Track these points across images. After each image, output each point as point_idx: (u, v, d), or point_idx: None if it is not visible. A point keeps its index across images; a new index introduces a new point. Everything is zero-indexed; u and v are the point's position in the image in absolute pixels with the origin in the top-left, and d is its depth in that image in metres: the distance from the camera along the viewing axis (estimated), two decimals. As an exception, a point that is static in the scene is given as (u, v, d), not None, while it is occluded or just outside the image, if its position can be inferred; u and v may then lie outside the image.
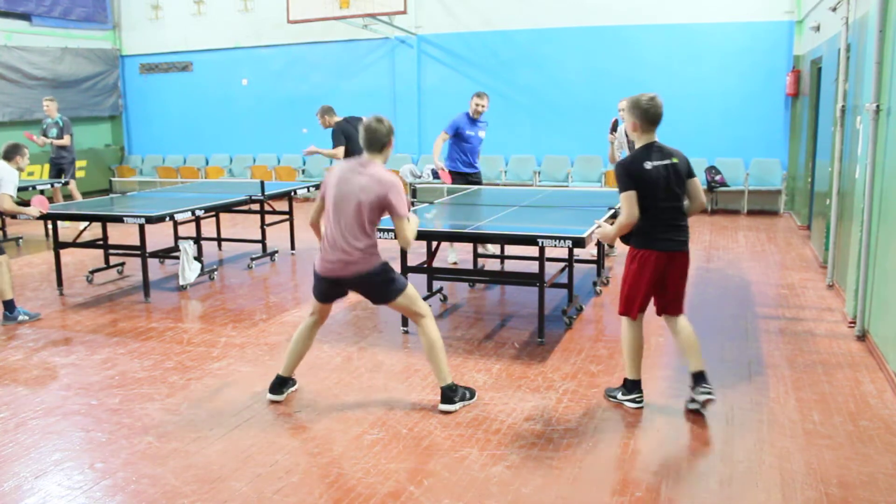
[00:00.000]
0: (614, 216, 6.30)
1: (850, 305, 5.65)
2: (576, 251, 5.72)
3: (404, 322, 5.66)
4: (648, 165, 3.87)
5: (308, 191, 9.03)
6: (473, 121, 7.99)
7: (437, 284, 6.52)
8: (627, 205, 3.88)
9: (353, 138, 7.72)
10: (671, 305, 4.15)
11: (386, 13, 12.06)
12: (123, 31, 15.53)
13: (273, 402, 4.30)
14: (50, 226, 7.67)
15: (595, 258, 7.29)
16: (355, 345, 5.36)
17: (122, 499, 3.28)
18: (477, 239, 6.52)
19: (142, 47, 15.38)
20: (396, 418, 4.07)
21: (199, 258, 7.48)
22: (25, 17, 13.79)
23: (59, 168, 10.86)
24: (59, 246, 7.09)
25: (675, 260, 4.01)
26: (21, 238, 9.88)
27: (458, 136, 7.96)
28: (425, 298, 6.21)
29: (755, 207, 11.68)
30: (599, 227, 4.28)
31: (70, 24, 14.59)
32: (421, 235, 5.67)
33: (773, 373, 4.67)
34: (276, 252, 8.55)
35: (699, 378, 4.02)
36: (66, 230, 8.79)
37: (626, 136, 7.75)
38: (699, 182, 4.10)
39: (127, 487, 3.37)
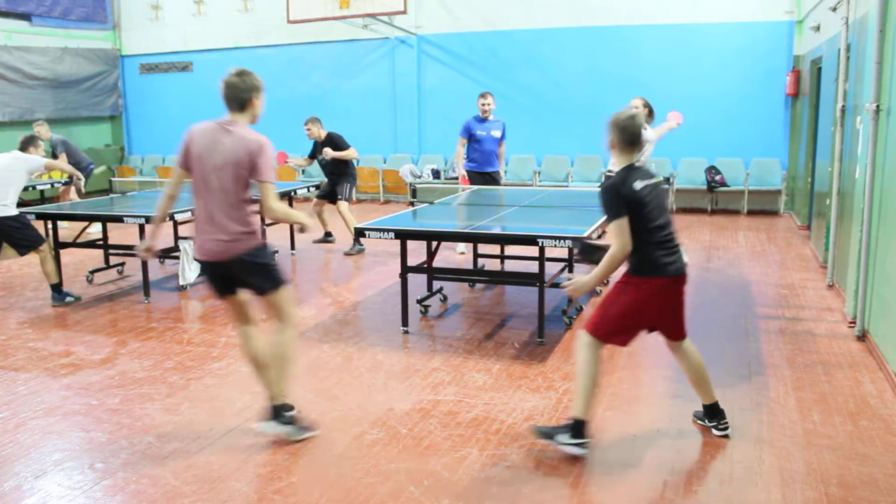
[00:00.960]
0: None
1: (850, 305, 5.65)
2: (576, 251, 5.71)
3: (404, 322, 5.66)
4: (639, 185, 3.48)
5: (308, 191, 9.04)
6: (483, 121, 8.23)
7: (437, 284, 6.52)
8: (619, 234, 3.43)
9: None
10: (677, 331, 3.76)
11: (386, 13, 12.06)
12: (123, 31, 15.53)
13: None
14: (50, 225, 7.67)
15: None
16: (355, 345, 5.36)
17: (122, 499, 3.28)
18: (477, 239, 6.52)
19: (142, 47, 15.38)
20: (396, 418, 4.07)
21: (199, 258, 7.46)
22: (25, 17, 13.79)
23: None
24: (59, 246, 7.09)
25: (680, 283, 3.65)
26: (21, 238, 9.86)
27: (472, 138, 8.23)
28: (425, 298, 6.25)
29: (755, 207, 11.68)
30: (571, 281, 3.65)
31: (70, 24, 14.58)
32: (421, 235, 5.69)
33: (773, 373, 4.67)
34: (276, 252, 8.54)
35: (714, 412, 3.80)
36: (65, 230, 8.78)
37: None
38: None
39: (127, 487, 3.37)
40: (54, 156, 10.56)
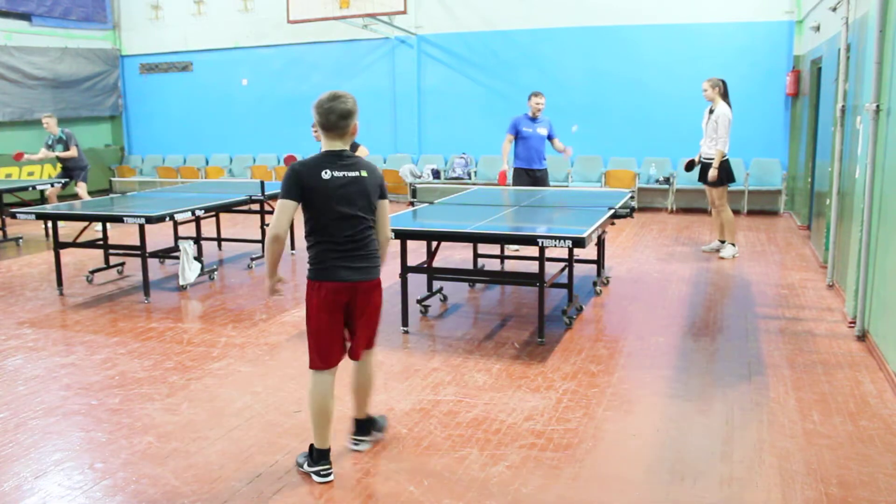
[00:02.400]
0: (614, 216, 6.32)
1: (850, 305, 5.65)
2: (576, 251, 5.72)
3: (404, 322, 5.66)
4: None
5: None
6: (533, 119, 8.32)
7: (437, 284, 6.52)
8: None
9: None
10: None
11: (386, 13, 12.06)
12: (123, 31, 15.54)
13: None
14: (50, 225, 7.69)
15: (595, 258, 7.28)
16: (355, 345, 5.36)
17: (122, 499, 3.28)
18: (477, 239, 6.52)
19: (142, 47, 15.39)
20: (396, 418, 4.07)
21: (199, 258, 7.48)
22: (25, 17, 13.80)
23: (69, 175, 10.76)
24: (59, 246, 7.09)
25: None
26: (21, 238, 9.87)
27: (518, 136, 8.30)
28: (425, 298, 6.25)
29: (755, 207, 11.68)
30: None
31: (70, 24, 14.59)
32: (421, 235, 5.69)
33: (773, 373, 4.67)
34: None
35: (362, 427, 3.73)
36: (64, 229, 8.78)
37: (707, 116, 7.93)
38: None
39: (127, 487, 3.37)
40: (66, 148, 10.57)
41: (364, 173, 3.32)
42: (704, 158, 8.22)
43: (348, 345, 3.51)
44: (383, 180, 3.46)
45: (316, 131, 3.53)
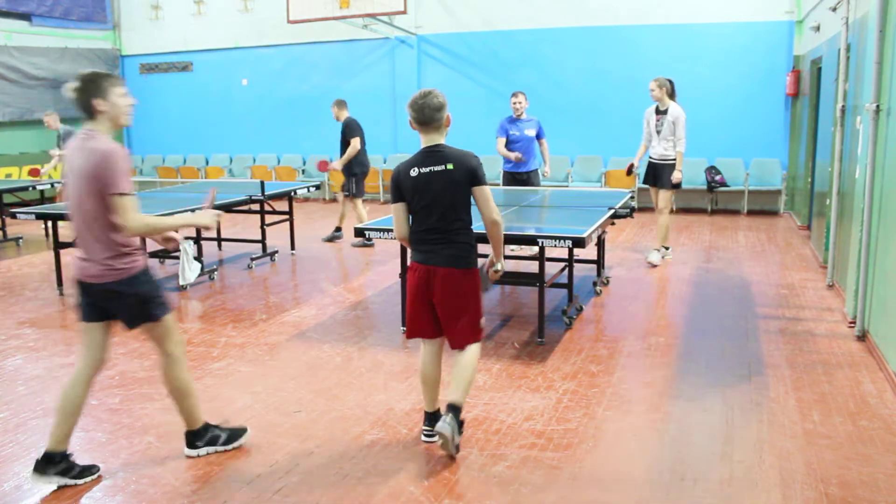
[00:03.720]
0: (614, 216, 6.32)
1: (850, 305, 5.65)
2: (576, 251, 5.72)
3: (404, 322, 5.65)
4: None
5: (308, 191, 9.04)
6: (516, 120, 8.11)
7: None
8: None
9: (362, 130, 9.14)
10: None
11: (386, 13, 12.06)
12: (123, 31, 15.54)
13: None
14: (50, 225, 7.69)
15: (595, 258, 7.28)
16: (355, 345, 5.36)
17: (122, 499, 3.28)
18: (476, 239, 6.51)
19: (142, 47, 15.39)
20: (396, 418, 4.07)
21: (199, 258, 7.48)
22: (25, 17, 13.79)
23: None
24: (59, 246, 7.09)
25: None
26: (21, 238, 9.88)
27: (507, 139, 8.10)
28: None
29: (755, 207, 11.69)
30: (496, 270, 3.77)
31: (70, 24, 14.59)
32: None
33: (773, 373, 4.67)
34: (276, 252, 8.55)
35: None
36: (64, 229, 8.78)
37: (657, 117, 7.77)
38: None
39: (127, 487, 3.37)
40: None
41: (450, 166, 3.54)
42: (658, 160, 7.87)
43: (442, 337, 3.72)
44: (476, 169, 3.58)
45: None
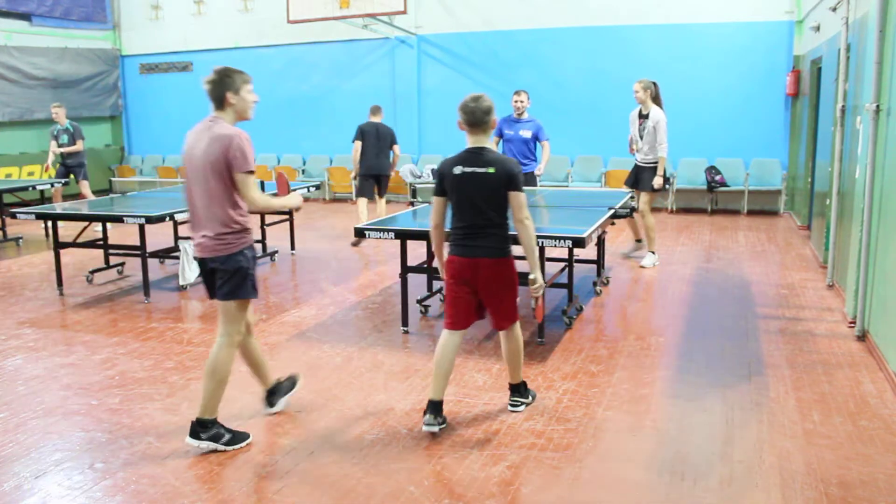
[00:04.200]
0: (614, 216, 6.32)
1: (850, 305, 5.65)
2: (576, 251, 5.72)
3: (404, 322, 5.66)
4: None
5: (308, 190, 9.04)
6: (514, 121, 8.09)
7: (437, 284, 6.52)
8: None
9: (368, 134, 9.54)
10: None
11: (386, 13, 12.05)
12: (123, 31, 15.53)
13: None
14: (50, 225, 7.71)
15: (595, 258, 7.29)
16: (355, 345, 5.36)
17: (122, 499, 3.28)
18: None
19: (142, 47, 15.38)
20: (396, 418, 4.07)
21: (199, 258, 7.47)
22: (25, 17, 13.80)
23: (69, 172, 10.72)
24: (59, 246, 7.09)
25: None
26: (21, 238, 9.88)
27: (502, 138, 8.10)
28: (425, 298, 6.25)
29: (755, 207, 11.68)
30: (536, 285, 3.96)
31: (70, 24, 14.59)
32: (421, 235, 5.68)
33: (773, 373, 4.67)
34: (276, 252, 8.55)
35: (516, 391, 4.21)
36: (64, 229, 8.79)
37: (639, 120, 7.75)
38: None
39: (127, 487, 3.37)
40: (72, 140, 10.54)
41: (491, 170, 3.74)
42: (640, 163, 7.85)
43: (486, 316, 4.00)
44: (516, 175, 3.78)
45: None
